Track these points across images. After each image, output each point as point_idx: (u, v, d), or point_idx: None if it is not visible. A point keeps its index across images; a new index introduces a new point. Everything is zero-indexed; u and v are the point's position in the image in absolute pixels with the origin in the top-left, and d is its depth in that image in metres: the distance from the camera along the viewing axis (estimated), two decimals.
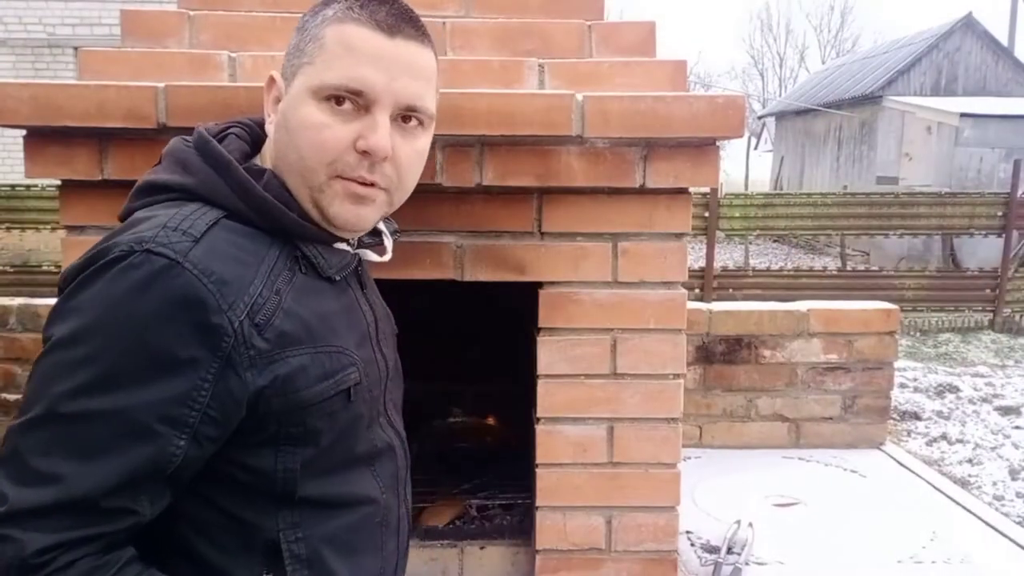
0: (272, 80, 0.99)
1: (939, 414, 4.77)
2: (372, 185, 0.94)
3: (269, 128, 0.99)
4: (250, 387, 0.86)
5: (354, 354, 0.98)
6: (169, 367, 0.81)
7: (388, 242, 1.10)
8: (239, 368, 0.85)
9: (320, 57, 0.92)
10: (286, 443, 0.92)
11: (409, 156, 0.97)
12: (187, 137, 0.97)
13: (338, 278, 1.00)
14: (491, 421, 2.59)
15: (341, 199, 0.94)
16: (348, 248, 1.02)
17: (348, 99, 0.92)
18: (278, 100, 0.97)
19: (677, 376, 1.76)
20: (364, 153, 0.92)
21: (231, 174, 0.91)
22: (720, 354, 2.94)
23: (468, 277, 1.70)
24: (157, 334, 0.81)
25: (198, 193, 0.91)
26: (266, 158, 0.99)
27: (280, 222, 0.92)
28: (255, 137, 1.03)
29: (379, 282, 1.70)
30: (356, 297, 1.06)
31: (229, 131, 1.00)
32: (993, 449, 4.16)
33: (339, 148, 0.92)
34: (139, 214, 0.90)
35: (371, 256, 1.07)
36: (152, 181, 0.94)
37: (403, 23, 0.95)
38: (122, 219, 0.94)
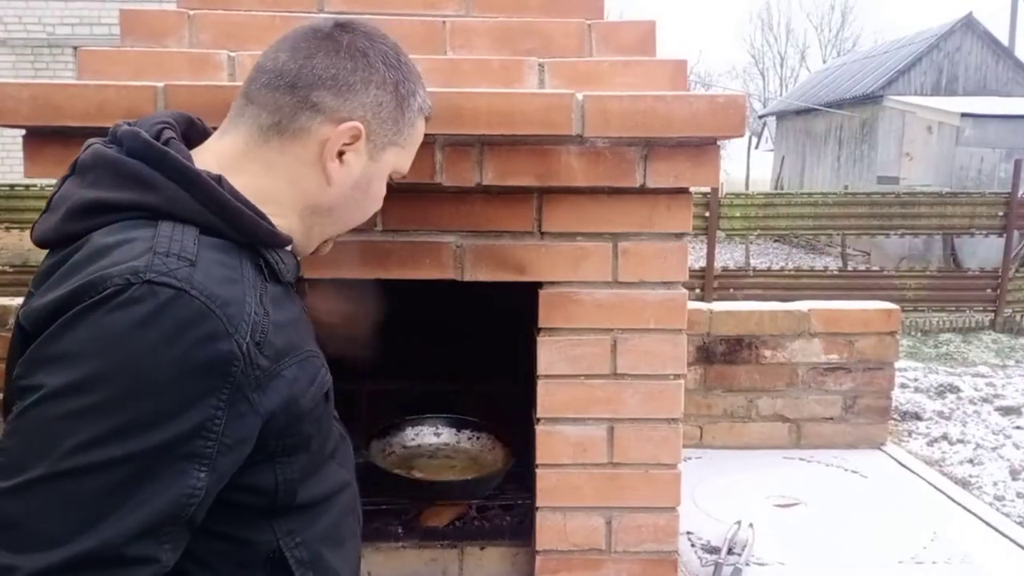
0: (357, 130, 0.96)
1: (940, 414, 4.77)
2: None
3: (293, 161, 0.96)
4: (260, 409, 0.84)
5: (320, 356, 0.99)
6: (183, 401, 0.77)
7: None
8: (247, 391, 0.82)
9: (410, 146, 1.06)
10: (283, 455, 0.91)
11: None
12: (107, 142, 0.91)
13: (291, 280, 0.98)
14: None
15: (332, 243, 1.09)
16: (292, 253, 1.01)
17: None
18: (347, 151, 0.97)
19: (677, 376, 1.76)
20: None
21: (199, 188, 0.86)
22: (721, 354, 2.94)
23: (468, 277, 1.70)
24: (168, 368, 0.76)
25: (164, 211, 0.84)
26: (255, 178, 0.95)
27: (256, 233, 0.90)
28: (185, 135, 0.98)
29: (380, 283, 1.70)
30: (299, 301, 1.05)
31: (165, 135, 0.91)
32: (994, 449, 4.16)
33: None
34: (102, 239, 0.82)
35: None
36: (98, 200, 0.85)
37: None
38: (60, 242, 0.86)
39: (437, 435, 2.39)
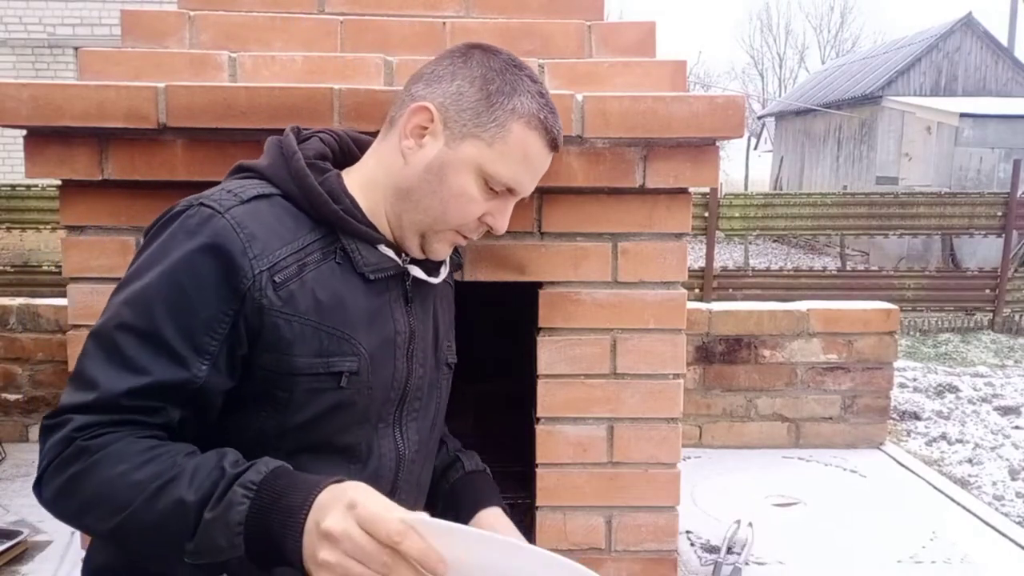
0: (426, 111, 1.05)
1: (939, 414, 4.77)
2: (467, 238, 1.13)
3: (389, 146, 1.10)
4: (252, 324, 0.97)
5: (361, 346, 1.03)
6: (199, 298, 0.94)
7: (445, 270, 1.19)
8: (249, 309, 0.97)
9: (500, 147, 1.05)
10: (268, 405, 1.01)
11: None
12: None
13: (372, 277, 1.06)
14: None
15: (446, 243, 1.12)
16: (392, 255, 1.09)
17: (500, 189, 1.08)
18: (424, 134, 1.06)
19: (677, 376, 1.76)
20: (485, 224, 1.12)
21: (293, 163, 1.04)
22: (720, 354, 2.94)
23: (468, 277, 1.70)
24: (192, 269, 0.95)
25: (264, 173, 1.05)
26: (367, 167, 1.12)
27: (322, 210, 1.03)
28: (343, 145, 1.16)
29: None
30: (392, 304, 1.09)
31: (316, 134, 1.14)
32: (993, 449, 4.16)
33: (474, 218, 1.09)
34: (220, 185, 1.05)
35: (419, 273, 1.13)
36: (240, 163, 1.10)
37: (561, 137, 1.11)
38: None
39: None
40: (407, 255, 1.12)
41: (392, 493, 1.14)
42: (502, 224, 1.13)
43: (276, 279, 0.98)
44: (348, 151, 1.16)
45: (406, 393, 1.12)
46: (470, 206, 1.08)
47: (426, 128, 1.05)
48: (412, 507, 1.15)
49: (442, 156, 1.05)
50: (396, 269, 1.09)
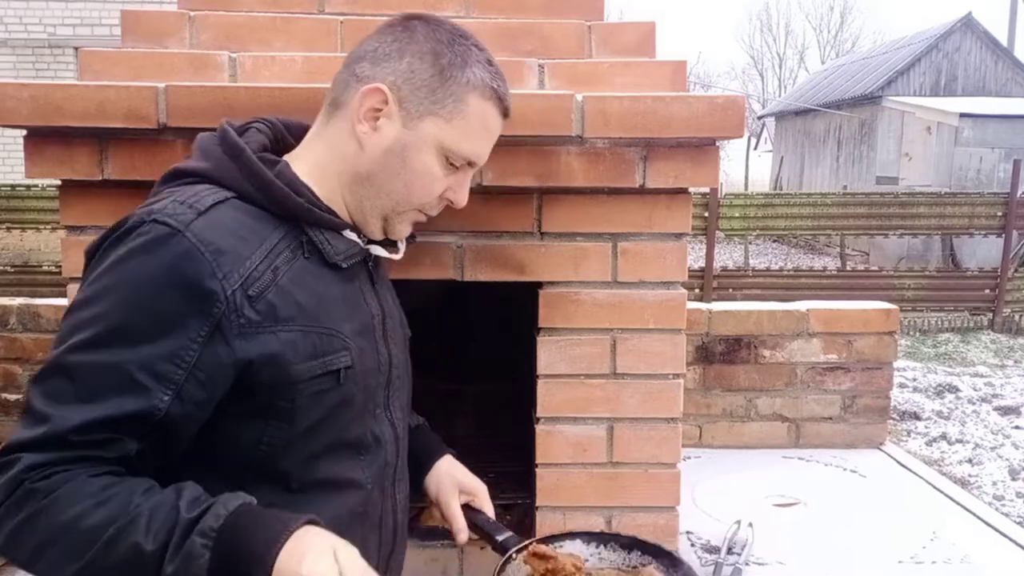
0: (380, 93, 1.01)
1: (939, 414, 4.77)
2: (428, 215, 1.11)
3: (336, 130, 1.05)
4: (238, 355, 0.91)
5: (348, 339, 1.02)
6: (162, 326, 0.88)
7: (402, 245, 1.16)
8: (228, 335, 0.91)
9: (459, 122, 1.03)
10: (273, 417, 0.96)
11: None
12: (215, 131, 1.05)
13: (344, 265, 1.04)
14: None
15: (408, 223, 1.10)
16: (356, 239, 1.06)
17: (461, 164, 1.06)
18: (378, 116, 1.02)
19: (677, 376, 1.76)
20: (446, 199, 1.09)
21: (243, 160, 0.98)
22: (720, 354, 2.94)
23: (468, 277, 1.70)
24: (154, 295, 0.88)
25: (212, 176, 0.98)
26: (314, 154, 1.06)
27: (285, 204, 0.98)
28: (277, 133, 1.10)
29: None
30: (362, 288, 1.09)
31: (251, 125, 1.07)
32: (993, 449, 4.16)
33: (437, 195, 1.07)
34: (163, 193, 0.98)
35: (381, 252, 1.11)
36: (177, 168, 1.03)
37: (511, 102, 1.09)
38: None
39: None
40: (365, 236, 1.09)
41: (396, 475, 1.15)
42: (463, 197, 1.10)
43: (251, 293, 0.92)
44: (282, 138, 1.12)
45: (391, 374, 1.12)
46: (434, 184, 1.06)
47: (380, 110, 1.01)
48: (409, 484, 1.21)
49: (402, 138, 1.02)
50: (362, 253, 1.07)
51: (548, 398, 1.75)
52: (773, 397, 2.96)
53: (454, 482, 1.32)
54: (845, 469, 2.79)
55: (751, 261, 9.86)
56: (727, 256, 11.47)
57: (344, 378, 1.01)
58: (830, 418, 2.98)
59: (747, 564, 2.05)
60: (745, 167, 23.46)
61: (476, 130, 1.05)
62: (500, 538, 1.27)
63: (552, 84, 1.82)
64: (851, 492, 2.59)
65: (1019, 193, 7.45)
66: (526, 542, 1.27)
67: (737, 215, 7.45)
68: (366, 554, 1.04)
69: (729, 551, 2.08)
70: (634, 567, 1.29)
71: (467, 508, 1.31)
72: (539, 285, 1.72)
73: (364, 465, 1.07)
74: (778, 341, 2.93)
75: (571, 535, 1.34)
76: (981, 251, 9.44)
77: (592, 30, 1.90)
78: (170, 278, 0.88)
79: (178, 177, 1.01)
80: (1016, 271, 7.72)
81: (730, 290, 7.38)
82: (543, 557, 1.22)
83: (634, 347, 1.74)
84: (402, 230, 1.10)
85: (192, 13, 1.82)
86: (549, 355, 1.74)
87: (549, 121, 1.56)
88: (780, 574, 2.04)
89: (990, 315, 7.52)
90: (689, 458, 2.81)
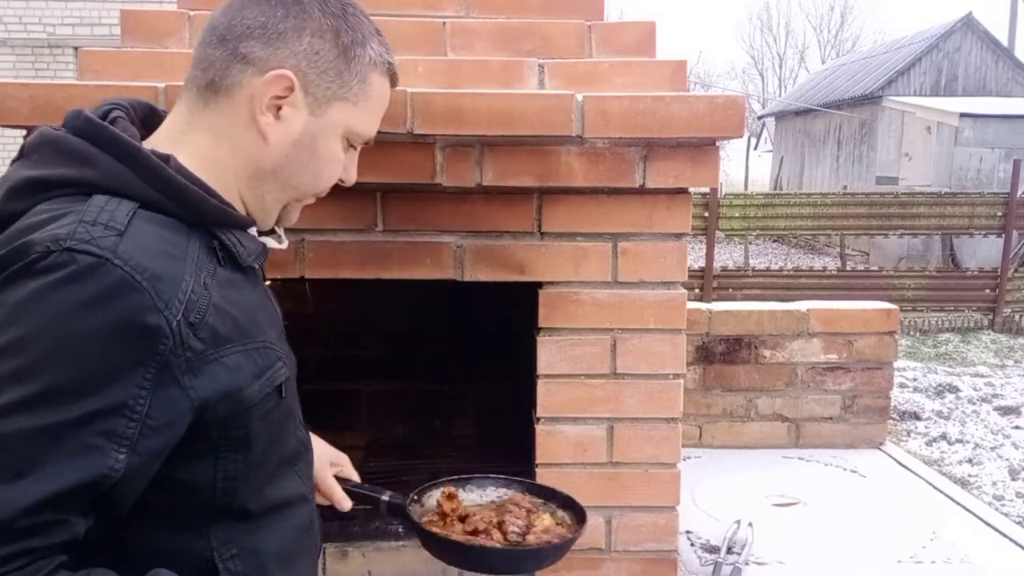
0: (286, 79, 0.89)
1: (939, 414, 4.77)
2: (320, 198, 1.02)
3: (224, 119, 0.91)
4: (192, 395, 0.79)
5: (278, 348, 0.94)
6: (103, 376, 0.74)
7: (281, 231, 1.05)
8: (177, 372, 0.78)
9: (364, 104, 0.96)
10: (227, 450, 0.86)
11: None
12: (54, 125, 0.87)
13: (256, 266, 0.95)
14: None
15: (299, 210, 1.01)
16: (257, 236, 0.97)
17: (359, 144, 1.00)
18: (281, 104, 0.90)
19: (677, 376, 1.76)
20: (339, 181, 1.00)
21: (140, 162, 0.82)
22: (720, 354, 2.94)
23: (468, 277, 1.70)
24: (87, 340, 0.73)
25: (102, 185, 0.81)
26: (199, 146, 0.91)
27: (201, 209, 0.85)
28: (140, 119, 0.95)
29: (382, 283, 1.69)
30: (264, 289, 1.01)
31: (112, 114, 0.89)
32: (993, 449, 4.16)
33: (337, 178, 0.99)
34: (38, 215, 0.79)
35: (273, 244, 1.02)
36: (39, 177, 0.82)
37: None
38: (2, 222, 0.81)
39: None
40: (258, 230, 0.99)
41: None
42: (355, 175, 1.02)
43: (192, 320, 0.79)
44: (137, 124, 0.95)
45: (296, 376, 1.03)
46: (338, 169, 0.98)
47: (284, 98, 0.90)
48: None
49: (311, 128, 0.92)
50: (263, 247, 0.98)
51: (548, 398, 1.75)
52: (773, 397, 2.96)
53: (326, 456, 1.23)
54: (845, 469, 2.79)
55: (751, 261, 9.85)
56: (727, 256, 11.47)
57: (285, 391, 0.93)
58: (830, 418, 2.99)
59: (747, 564, 2.05)
60: (745, 167, 23.47)
61: (378, 109, 0.99)
62: (385, 497, 1.26)
63: (552, 84, 1.82)
64: (851, 492, 2.59)
65: (1019, 193, 7.45)
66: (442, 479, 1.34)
67: (737, 215, 7.45)
68: (314, 563, 1.01)
69: (729, 551, 2.08)
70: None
71: (338, 479, 1.24)
72: (539, 285, 1.72)
73: (301, 476, 1.01)
74: (778, 341, 2.93)
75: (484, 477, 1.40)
76: (981, 251, 9.44)
77: (592, 30, 1.90)
78: (105, 317, 0.73)
79: (44, 189, 0.81)
80: (1016, 271, 7.72)
81: (730, 290, 7.38)
82: (451, 497, 1.28)
83: (634, 347, 1.74)
84: (295, 217, 1.01)
85: (192, 13, 1.82)
86: (549, 355, 1.74)
87: (549, 121, 1.56)
88: (780, 574, 2.04)
89: (990, 315, 7.52)
90: (689, 458, 2.81)
